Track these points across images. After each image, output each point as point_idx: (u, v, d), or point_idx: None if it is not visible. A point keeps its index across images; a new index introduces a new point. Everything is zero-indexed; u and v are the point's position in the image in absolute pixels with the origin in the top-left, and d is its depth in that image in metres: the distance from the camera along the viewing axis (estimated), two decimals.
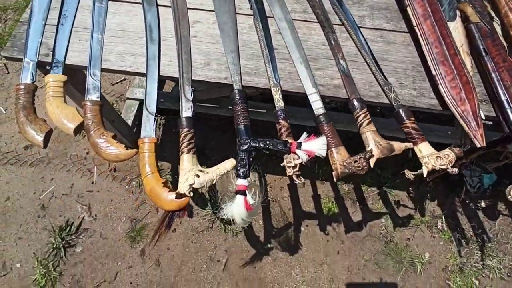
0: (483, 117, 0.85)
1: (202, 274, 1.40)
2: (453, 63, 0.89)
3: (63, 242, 1.42)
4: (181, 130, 0.83)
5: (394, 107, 0.89)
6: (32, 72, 0.92)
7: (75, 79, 1.02)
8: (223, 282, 1.39)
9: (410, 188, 1.56)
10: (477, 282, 1.40)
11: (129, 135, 1.52)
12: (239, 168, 0.78)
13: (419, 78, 0.95)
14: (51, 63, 0.93)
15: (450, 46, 0.90)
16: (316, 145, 0.79)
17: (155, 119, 0.85)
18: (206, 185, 0.77)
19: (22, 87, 0.88)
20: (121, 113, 1.62)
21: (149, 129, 0.84)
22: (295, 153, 0.80)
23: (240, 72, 0.93)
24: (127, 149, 0.81)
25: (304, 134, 0.82)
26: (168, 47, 0.97)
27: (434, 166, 0.82)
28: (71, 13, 1.00)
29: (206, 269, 1.41)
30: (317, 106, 0.88)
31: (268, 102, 1.57)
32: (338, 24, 1.02)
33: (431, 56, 0.90)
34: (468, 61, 0.92)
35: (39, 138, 0.82)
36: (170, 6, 1.02)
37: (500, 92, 0.87)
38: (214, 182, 0.78)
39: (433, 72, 0.89)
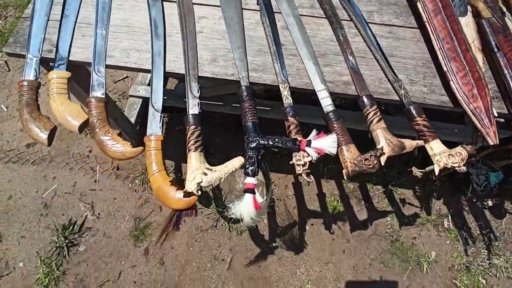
0: (496, 114, 0.84)
1: (206, 273, 1.39)
2: (465, 59, 0.87)
3: (66, 241, 1.41)
4: (188, 127, 0.82)
5: (404, 104, 0.87)
6: (35, 69, 0.90)
7: (78, 76, 1.01)
8: (228, 281, 1.38)
9: (416, 187, 1.55)
10: (484, 281, 1.39)
11: (132, 133, 1.51)
12: (247, 166, 0.77)
13: (430, 74, 0.93)
14: (54, 59, 0.92)
15: (461, 41, 0.88)
16: (326, 143, 0.77)
17: (161, 116, 0.83)
18: (214, 184, 0.76)
19: (25, 83, 0.86)
20: (123, 111, 1.60)
21: (155, 127, 0.82)
22: (305, 151, 0.78)
23: (247, 69, 0.91)
24: (133, 146, 0.79)
25: (314, 132, 0.80)
26: (174, 43, 0.95)
27: (446, 164, 0.80)
28: (75, 8, 0.99)
29: (211, 268, 1.40)
30: (326, 103, 0.87)
31: (273, 100, 1.56)
32: (346, 20, 1.00)
33: (442, 52, 0.89)
34: (479, 57, 0.90)
35: (44, 136, 0.80)
36: (175, 1, 1.00)
37: None
38: (222, 181, 0.77)
39: (445, 69, 0.87)
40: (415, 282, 1.39)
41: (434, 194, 1.55)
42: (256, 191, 0.76)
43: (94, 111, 0.83)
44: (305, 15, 1.01)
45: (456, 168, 0.82)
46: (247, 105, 0.84)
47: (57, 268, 1.37)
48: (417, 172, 0.92)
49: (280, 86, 0.89)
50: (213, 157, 1.59)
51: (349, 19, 1.00)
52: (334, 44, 0.97)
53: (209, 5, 1.01)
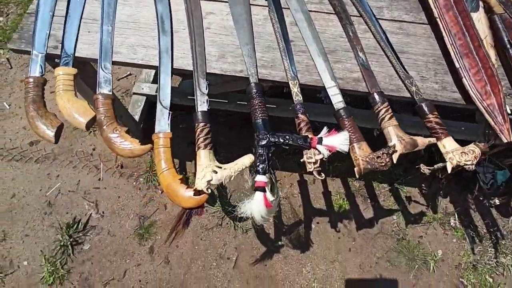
0: (509, 111, 0.83)
1: (212, 272, 1.38)
2: (477, 55, 0.85)
3: (71, 240, 1.40)
4: (197, 124, 0.81)
5: (416, 101, 0.86)
6: (41, 65, 0.89)
7: (84, 73, 0.99)
8: (234, 279, 1.37)
9: (423, 185, 1.54)
10: (491, 280, 1.38)
11: (136, 131, 1.50)
12: (258, 164, 0.76)
13: (441, 71, 0.92)
14: (60, 55, 0.90)
15: (474, 38, 0.87)
16: (337, 140, 0.76)
17: (169, 113, 0.82)
18: (224, 182, 0.75)
19: (31, 80, 0.85)
20: (127, 109, 1.59)
21: (163, 124, 0.81)
22: (316, 149, 0.77)
23: (256, 65, 0.90)
24: (141, 144, 0.78)
25: (325, 129, 0.79)
26: (181, 39, 0.94)
27: (459, 162, 0.79)
28: (80, 4, 0.97)
29: (216, 266, 1.39)
30: (337, 100, 0.86)
31: (278, 97, 1.54)
32: (356, 16, 0.99)
33: (455, 48, 0.87)
34: (492, 53, 0.89)
35: (50, 133, 0.79)
36: None
37: None
38: (232, 179, 0.75)
39: (457, 65, 0.86)
40: (422, 280, 1.38)
41: (441, 192, 1.54)
42: (266, 189, 0.75)
43: (101, 108, 0.82)
44: (313, 11, 0.99)
45: (465, 166, 0.81)
46: (256, 102, 0.83)
47: (61, 266, 1.36)
48: (425, 169, 0.91)
49: (289, 83, 0.88)
50: (218, 155, 1.57)
51: (359, 15, 0.99)
52: (344, 41, 0.95)
53: (216, 1, 1.00)
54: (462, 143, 0.82)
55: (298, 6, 0.98)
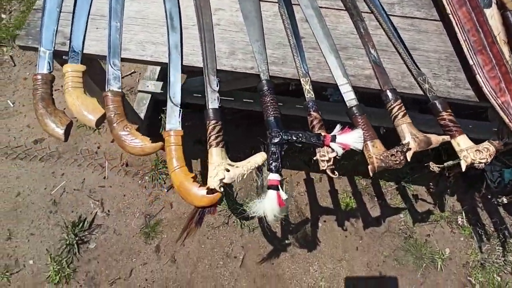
0: None
1: (219, 271, 1.37)
2: (491, 52, 0.84)
3: (76, 239, 1.39)
4: (208, 122, 0.80)
5: (429, 99, 0.85)
6: (48, 62, 0.87)
7: (91, 70, 0.98)
8: (241, 278, 1.36)
9: (431, 183, 1.53)
10: (499, 279, 1.37)
11: (141, 129, 1.48)
12: (271, 162, 0.75)
13: (454, 68, 0.91)
14: (68, 52, 0.89)
15: (487, 34, 0.86)
16: (351, 138, 0.75)
17: (180, 110, 0.81)
18: (237, 180, 0.74)
19: (39, 77, 0.84)
20: (133, 107, 1.58)
21: (174, 122, 0.80)
22: (329, 146, 0.76)
23: (267, 62, 0.89)
24: (152, 142, 0.77)
25: (338, 127, 0.78)
26: (190, 36, 0.93)
27: (474, 160, 0.78)
28: (87, 0, 0.96)
29: (223, 265, 1.38)
30: (349, 98, 0.84)
31: (284, 95, 1.53)
32: (367, 12, 0.98)
33: (468, 45, 0.86)
34: (506, 50, 0.88)
35: (60, 131, 0.78)
36: None
37: None
38: (245, 177, 0.74)
39: (471, 62, 0.85)
40: (429, 279, 1.38)
41: (448, 190, 1.53)
42: (279, 187, 0.74)
43: (111, 106, 0.81)
44: (324, 7, 0.98)
45: (475, 165, 0.81)
46: (268, 99, 0.82)
47: (67, 265, 1.35)
48: (434, 167, 0.90)
49: (301, 80, 0.87)
50: None
51: (370, 12, 0.98)
52: (355, 37, 0.94)
53: None
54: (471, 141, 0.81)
55: (308, 2, 0.97)
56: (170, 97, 0.83)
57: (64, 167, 1.55)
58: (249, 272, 1.37)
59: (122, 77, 1.84)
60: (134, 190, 1.52)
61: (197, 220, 0.72)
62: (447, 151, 1.47)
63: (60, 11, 0.94)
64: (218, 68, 0.88)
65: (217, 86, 0.85)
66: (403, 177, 1.55)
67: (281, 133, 0.76)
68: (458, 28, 0.88)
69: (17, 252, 1.37)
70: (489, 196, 1.51)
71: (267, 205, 0.73)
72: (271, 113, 0.80)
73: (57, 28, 0.91)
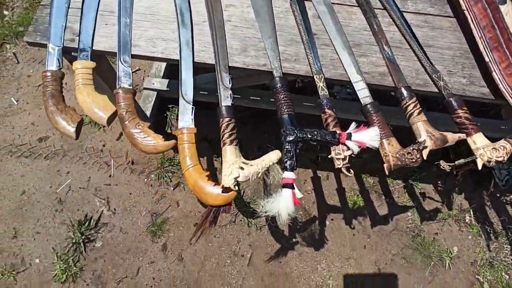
0: None
1: (226, 269, 1.37)
2: (507, 49, 0.83)
3: (83, 237, 1.38)
4: (221, 120, 0.78)
5: (444, 96, 0.84)
6: (57, 59, 0.86)
7: (99, 67, 0.97)
8: (248, 277, 1.36)
9: (438, 182, 1.52)
10: (507, 277, 1.37)
11: None
12: (285, 160, 0.73)
13: (468, 65, 0.90)
14: (77, 48, 0.88)
15: (503, 31, 0.85)
16: (368, 136, 0.74)
17: (193, 108, 0.80)
18: (251, 179, 0.73)
19: (49, 74, 0.82)
20: (139, 104, 1.56)
21: (187, 119, 0.79)
22: (345, 144, 0.75)
23: (280, 59, 0.87)
24: (165, 140, 0.76)
25: (353, 124, 0.77)
26: (201, 32, 0.91)
27: (490, 158, 0.77)
28: None
29: (230, 264, 1.38)
30: (364, 95, 0.83)
31: (290, 92, 1.52)
32: (380, 8, 0.96)
33: (484, 41, 0.85)
34: None
35: (71, 129, 0.77)
36: None
37: None
38: (259, 175, 0.73)
39: (486, 59, 0.84)
40: (438, 277, 1.38)
41: (456, 188, 1.53)
42: (294, 186, 0.73)
43: (122, 103, 0.79)
44: (336, 3, 0.97)
45: (491, 163, 0.80)
46: (282, 96, 0.80)
47: (74, 264, 1.34)
48: (445, 165, 0.89)
49: (314, 77, 0.85)
50: None
51: (382, 8, 0.96)
52: (368, 34, 0.93)
53: None
54: None
55: None
56: (182, 94, 0.82)
57: (69, 165, 1.54)
58: (257, 271, 1.37)
59: None
60: (140, 188, 1.51)
61: (212, 219, 0.71)
62: (455, 150, 1.46)
63: (69, 7, 0.92)
64: (230, 65, 0.87)
65: (229, 83, 0.83)
66: (411, 175, 1.55)
67: (296, 131, 0.75)
68: (474, 24, 0.87)
69: (23, 251, 1.36)
70: (497, 194, 1.51)
71: (282, 204, 0.72)
72: (285, 110, 0.79)
73: (65, 24, 0.90)
